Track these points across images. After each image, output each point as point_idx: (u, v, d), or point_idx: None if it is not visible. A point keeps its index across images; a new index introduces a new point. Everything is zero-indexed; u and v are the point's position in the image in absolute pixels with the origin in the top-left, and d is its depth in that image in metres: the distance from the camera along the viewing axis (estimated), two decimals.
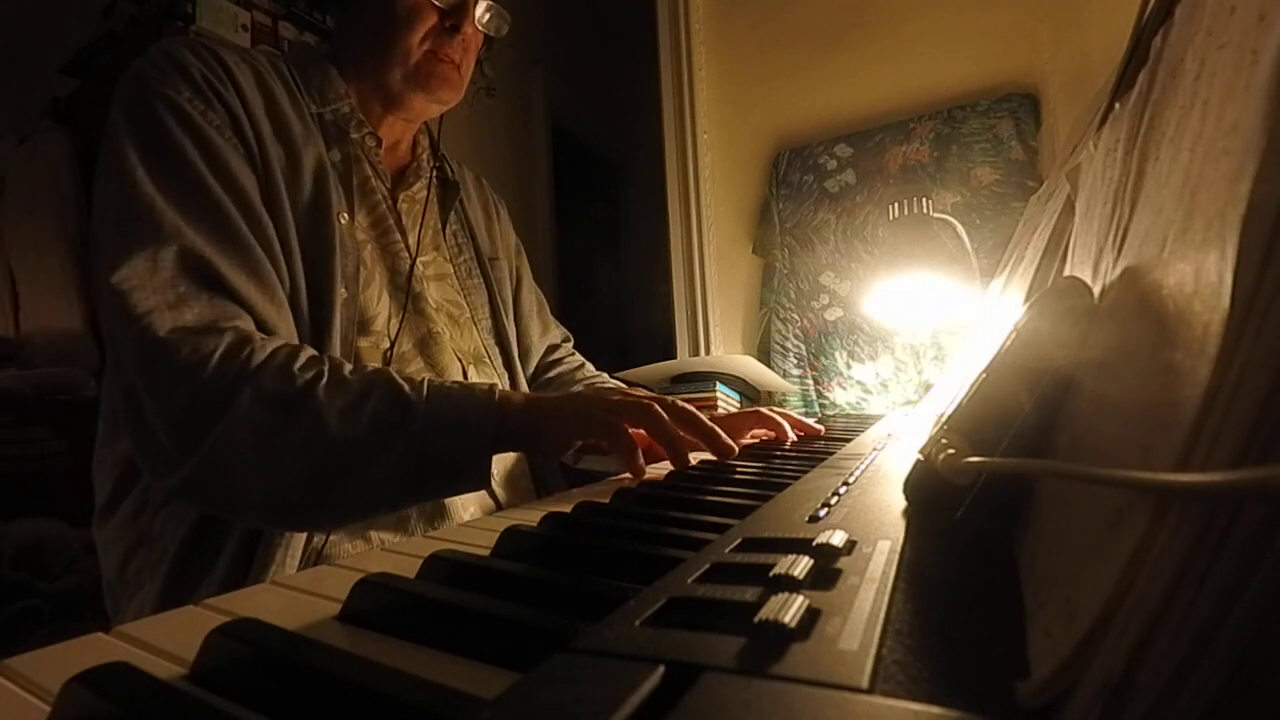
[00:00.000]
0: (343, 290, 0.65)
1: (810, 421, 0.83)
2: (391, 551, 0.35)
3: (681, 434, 0.56)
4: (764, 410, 0.79)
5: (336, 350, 0.63)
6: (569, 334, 1.05)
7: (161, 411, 0.53)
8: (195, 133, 0.59)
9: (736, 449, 0.59)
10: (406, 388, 0.54)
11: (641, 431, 0.57)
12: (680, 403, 0.59)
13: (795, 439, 0.78)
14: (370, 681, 0.18)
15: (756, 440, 0.81)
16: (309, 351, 0.57)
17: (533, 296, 0.98)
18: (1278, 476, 0.09)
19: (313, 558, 0.60)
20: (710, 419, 0.83)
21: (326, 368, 0.55)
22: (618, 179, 3.39)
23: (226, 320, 0.55)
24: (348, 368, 0.56)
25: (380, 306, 0.70)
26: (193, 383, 0.52)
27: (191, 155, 0.58)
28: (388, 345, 0.70)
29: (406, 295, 0.73)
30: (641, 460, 0.55)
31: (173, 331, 0.53)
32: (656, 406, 0.56)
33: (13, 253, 1.64)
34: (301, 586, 0.29)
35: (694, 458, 0.68)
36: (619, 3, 2.67)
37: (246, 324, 0.57)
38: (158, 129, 0.58)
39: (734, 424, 0.80)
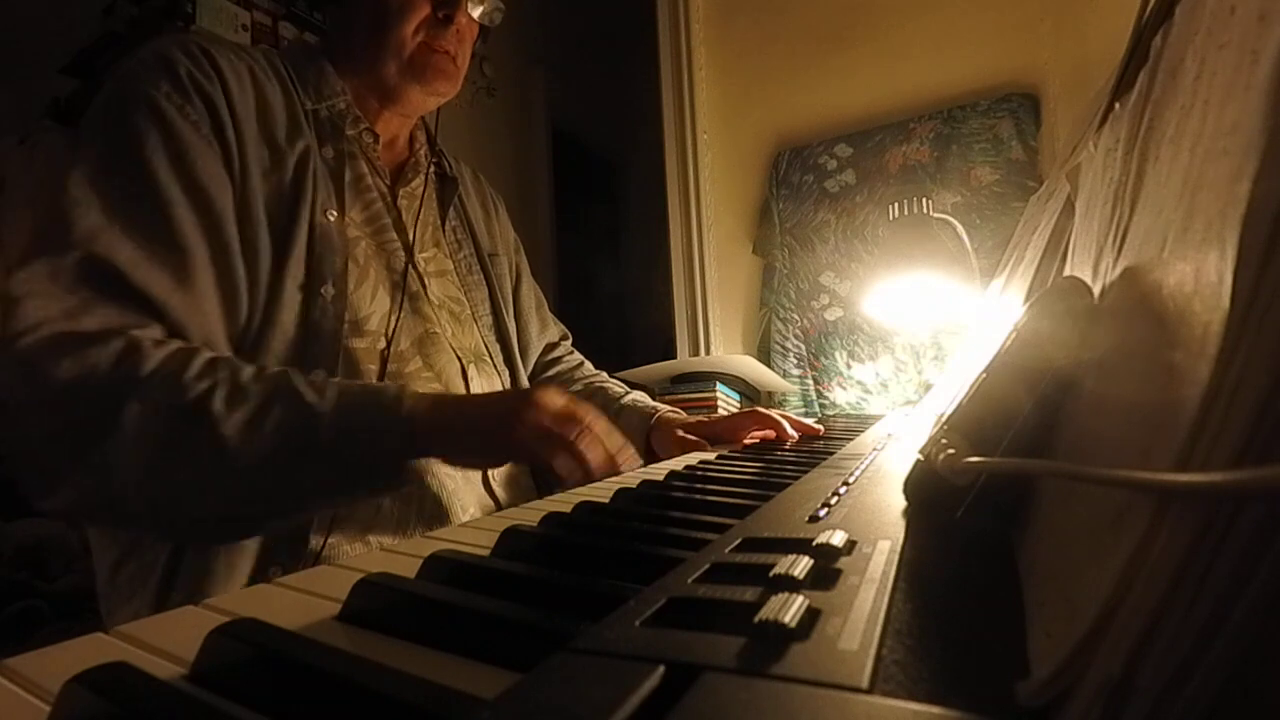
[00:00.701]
0: (330, 289, 0.64)
1: (809, 421, 0.83)
2: (391, 551, 0.35)
3: (590, 464, 0.53)
4: (762, 410, 0.79)
5: (325, 351, 0.63)
6: (567, 331, 1.05)
7: (41, 428, 0.50)
8: (165, 127, 0.58)
9: (622, 470, 0.55)
10: (309, 394, 0.52)
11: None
12: (592, 425, 0.53)
13: (795, 438, 0.78)
14: (370, 681, 0.17)
15: (756, 440, 0.81)
16: (204, 355, 0.54)
17: (532, 293, 0.98)
18: (1278, 476, 0.09)
19: (311, 559, 0.60)
20: (709, 419, 0.83)
21: (224, 374, 0.52)
22: (618, 179, 3.38)
23: (128, 327, 0.53)
24: (247, 372, 0.53)
25: (375, 305, 0.69)
26: (75, 396, 0.49)
27: (150, 151, 0.57)
28: (384, 345, 0.69)
29: (403, 293, 0.72)
30: (588, 469, 0.52)
31: (58, 341, 0.50)
32: (563, 452, 0.52)
33: (13, 253, 1.64)
34: (301, 586, 0.29)
35: (695, 458, 0.68)
36: (619, 3, 2.67)
37: (151, 330, 0.54)
38: (120, 125, 0.57)
39: (732, 424, 0.80)
